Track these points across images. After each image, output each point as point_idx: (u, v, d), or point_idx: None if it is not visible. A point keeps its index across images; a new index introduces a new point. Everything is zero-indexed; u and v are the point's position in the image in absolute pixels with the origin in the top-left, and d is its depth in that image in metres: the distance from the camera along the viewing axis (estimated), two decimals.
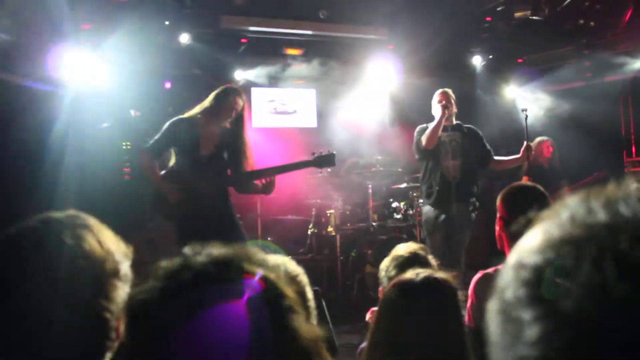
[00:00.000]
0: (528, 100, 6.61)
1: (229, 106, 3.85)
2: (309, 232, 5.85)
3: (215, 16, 5.78)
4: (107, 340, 0.99)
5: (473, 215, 4.51)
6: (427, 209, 4.51)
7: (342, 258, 5.66)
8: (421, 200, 4.73)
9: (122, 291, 1.02)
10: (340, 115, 6.71)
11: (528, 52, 6.94)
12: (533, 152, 4.94)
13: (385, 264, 2.21)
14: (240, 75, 6.43)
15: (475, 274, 2.27)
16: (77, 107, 5.52)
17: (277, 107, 6.95)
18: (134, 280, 1.02)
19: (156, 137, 3.83)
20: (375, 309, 2.28)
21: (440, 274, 1.51)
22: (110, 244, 1.04)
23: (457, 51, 6.73)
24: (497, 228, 2.23)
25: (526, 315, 0.45)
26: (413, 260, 2.12)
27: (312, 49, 6.41)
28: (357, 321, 4.62)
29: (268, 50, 6.37)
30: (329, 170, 5.44)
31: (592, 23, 5.87)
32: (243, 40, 6.18)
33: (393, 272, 2.12)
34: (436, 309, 1.44)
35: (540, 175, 5.14)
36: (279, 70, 6.55)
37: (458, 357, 1.41)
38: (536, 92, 6.86)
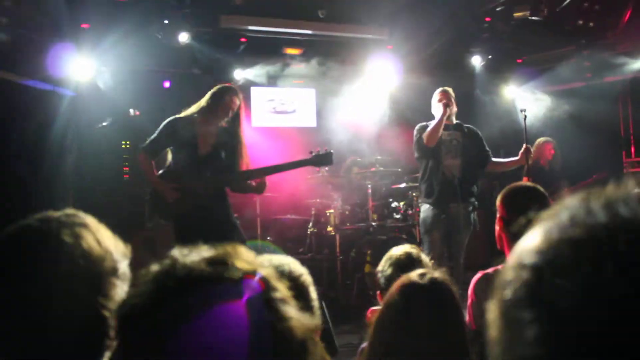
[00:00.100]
0: (527, 101, 6.61)
1: (226, 105, 3.85)
2: (309, 232, 5.84)
3: (214, 16, 5.78)
4: (107, 338, 0.98)
5: (473, 215, 4.50)
6: (426, 208, 4.47)
7: (341, 258, 5.66)
8: (420, 200, 4.72)
9: (121, 290, 1.02)
10: (340, 115, 6.71)
11: (527, 52, 6.94)
12: (533, 154, 4.95)
13: (381, 265, 2.22)
14: (240, 74, 6.43)
15: (474, 274, 2.27)
16: (77, 106, 5.52)
17: (277, 107, 6.95)
18: (133, 280, 1.02)
19: (153, 136, 3.83)
20: (375, 308, 2.28)
21: (438, 274, 1.51)
22: (109, 243, 1.04)
23: (456, 51, 6.73)
24: (497, 228, 2.23)
25: (526, 315, 0.45)
26: (407, 260, 2.12)
27: (311, 49, 6.41)
28: (357, 321, 4.62)
29: (267, 50, 6.36)
30: (326, 169, 5.44)
31: (591, 23, 5.87)
32: (242, 40, 6.18)
33: (389, 271, 2.11)
34: (440, 311, 1.43)
35: (540, 176, 5.15)
36: (279, 69, 6.55)
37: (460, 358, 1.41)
38: (535, 93, 6.86)
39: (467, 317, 2.12)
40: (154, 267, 0.67)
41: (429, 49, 6.31)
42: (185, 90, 5.91)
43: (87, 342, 0.97)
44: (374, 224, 5.70)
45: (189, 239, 0.75)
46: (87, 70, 5.45)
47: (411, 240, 5.44)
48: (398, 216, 5.88)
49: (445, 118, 4.36)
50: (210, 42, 5.97)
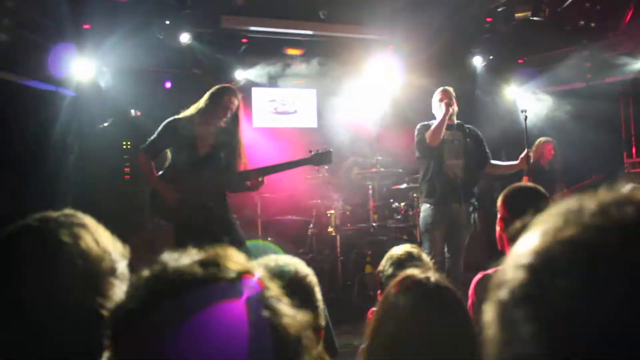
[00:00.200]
0: (528, 101, 6.61)
1: (224, 105, 3.85)
2: (309, 233, 5.84)
3: (215, 16, 5.79)
4: (105, 338, 0.98)
5: (473, 215, 4.49)
6: (427, 207, 4.43)
7: (342, 258, 5.66)
8: (420, 200, 4.70)
9: (119, 290, 1.02)
10: (341, 116, 6.71)
11: (528, 52, 6.94)
12: (534, 153, 4.94)
13: (382, 264, 2.22)
14: (241, 75, 6.43)
15: (475, 274, 2.27)
16: (78, 106, 5.53)
17: (278, 107, 6.95)
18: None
19: (152, 137, 3.84)
20: (375, 309, 2.27)
21: (439, 276, 1.49)
22: (107, 243, 1.05)
23: (457, 51, 6.73)
24: (497, 229, 2.23)
25: (522, 314, 0.46)
26: (408, 259, 2.12)
27: (312, 49, 6.41)
28: (357, 322, 4.62)
29: (268, 50, 6.36)
30: (326, 168, 5.44)
31: (592, 24, 5.87)
32: (243, 40, 6.18)
33: (390, 270, 2.11)
34: (449, 314, 1.41)
35: (540, 176, 5.15)
36: (280, 70, 6.55)
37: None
38: (537, 93, 6.86)
39: None
40: (145, 272, 0.67)
41: (429, 49, 6.30)
42: (186, 90, 5.90)
43: (86, 342, 0.97)
44: (374, 224, 5.70)
45: (188, 239, 0.75)
46: (89, 71, 5.47)
47: (412, 240, 5.44)
48: (399, 217, 5.88)
49: (447, 117, 4.34)
50: (212, 43, 5.97)
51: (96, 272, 1.00)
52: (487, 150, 4.64)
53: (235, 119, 3.93)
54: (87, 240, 1.01)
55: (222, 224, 3.83)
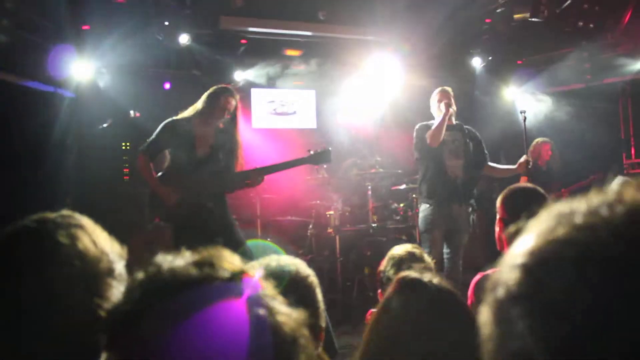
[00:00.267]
0: (528, 102, 6.61)
1: (221, 106, 3.86)
2: (309, 233, 5.84)
3: (214, 17, 5.79)
4: (102, 340, 0.98)
5: (472, 216, 4.49)
6: (426, 208, 4.42)
7: (341, 259, 5.66)
8: (420, 200, 4.70)
9: (117, 290, 1.02)
10: (340, 116, 6.71)
11: (528, 53, 6.95)
12: (531, 154, 4.94)
13: (383, 264, 2.21)
14: (240, 75, 6.44)
15: (474, 275, 2.27)
16: (77, 107, 5.53)
17: (277, 108, 6.95)
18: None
19: (151, 138, 3.85)
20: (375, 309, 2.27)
21: (440, 279, 1.48)
22: (105, 244, 1.05)
23: (456, 52, 6.74)
24: (497, 229, 2.23)
25: (517, 311, 0.48)
26: (409, 258, 2.12)
27: (311, 50, 6.42)
28: (357, 322, 4.62)
29: (268, 51, 6.37)
30: (324, 167, 5.44)
31: (591, 25, 5.87)
32: (242, 41, 6.19)
33: (391, 271, 2.11)
34: (448, 315, 1.40)
35: (537, 176, 5.15)
36: (279, 71, 6.55)
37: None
38: (536, 94, 6.87)
39: None
40: (140, 274, 0.67)
41: (429, 50, 6.31)
42: (185, 91, 5.91)
43: (83, 342, 0.97)
44: (374, 225, 5.70)
45: (188, 240, 0.75)
46: (88, 72, 5.47)
47: (411, 241, 5.44)
48: (398, 218, 5.88)
49: (447, 118, 4.34)
50: (211, 44, 5.97)
51: (94, 273, 1.00)
52: (486, 152, 4.63)
53: (233, 119, 3.94)
54: (84, 241, 1.01)
55: (222, 224, 3.83)
